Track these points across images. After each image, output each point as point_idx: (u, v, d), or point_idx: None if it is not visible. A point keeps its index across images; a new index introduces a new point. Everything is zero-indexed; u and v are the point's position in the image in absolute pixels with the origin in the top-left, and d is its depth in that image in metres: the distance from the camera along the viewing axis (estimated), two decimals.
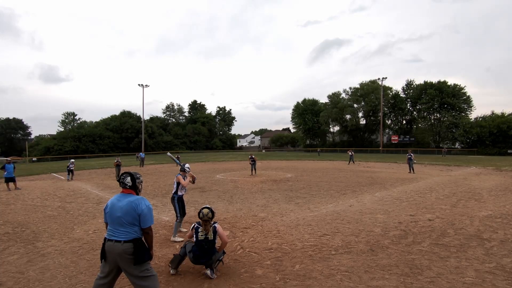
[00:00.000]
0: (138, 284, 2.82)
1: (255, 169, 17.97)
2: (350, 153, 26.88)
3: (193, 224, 4.03)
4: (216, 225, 3.99)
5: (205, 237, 3.86)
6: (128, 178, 2.98)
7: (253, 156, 18.23)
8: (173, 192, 5.74)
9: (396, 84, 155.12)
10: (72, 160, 17.99)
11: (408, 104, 59.89)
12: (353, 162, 26.28)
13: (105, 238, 2.87)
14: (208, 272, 3.83)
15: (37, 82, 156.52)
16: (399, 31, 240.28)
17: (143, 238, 2.92)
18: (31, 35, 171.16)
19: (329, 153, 55.66)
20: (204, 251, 3.83)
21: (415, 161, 18.46)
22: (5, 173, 12.94)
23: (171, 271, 3.98)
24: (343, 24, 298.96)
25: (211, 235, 3.87)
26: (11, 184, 12.91)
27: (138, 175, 3.10)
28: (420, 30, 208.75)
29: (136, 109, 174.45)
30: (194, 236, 3.91)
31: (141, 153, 30.51)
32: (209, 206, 4.05)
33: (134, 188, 3.01)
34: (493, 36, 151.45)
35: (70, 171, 16.87)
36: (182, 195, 5.78)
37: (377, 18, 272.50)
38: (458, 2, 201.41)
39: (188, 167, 5.91)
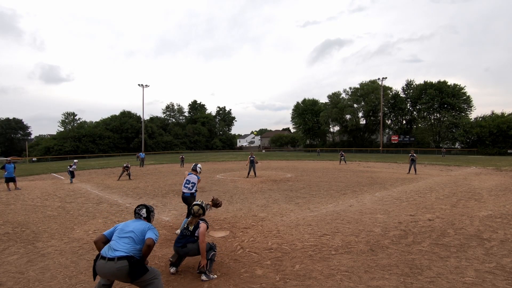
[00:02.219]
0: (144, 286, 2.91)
1: (254, 171, 17.06)
2: (342, 156, 27.30)
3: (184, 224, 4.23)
4: (201, 222, 3.96)
5: (187, 226, 4.01)
6: (144, 210, 3.28)
7: (253, 157, 17.48)
8: (193, 191, 5.95)
9: (396, 84, 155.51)
10: (75, 160, 16.43)
11: (408, 104, 59.87)
12: (341, 163, 26.67)
13: (97, 255, 2.87)
14: (204, 277, 3.80)
15: (38, 82, 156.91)
16: (398, 31, 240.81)
17: (141, 254, 2.97)
18: (33, 35, 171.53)
19: (329, 153, 55.64)
20: (181, 238, 3.94)
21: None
22: (5, 173, 12.94)
23: (171, 269, 3.99)
24: (342, 25, 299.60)
25: (191, 227, 3.95)
26: (11, 184, 12.91)
27: (152, 208, 3.40)
28: (419, 30, 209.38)
29: (136, 109, 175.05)
30: (183, 228, 4.06)
31: (141, 153, 30.31)
32: (200, 203, 4.09)
33: (148, 219, 3.31)
34: (492, 37, 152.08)
35: (71, 173, 15.35)
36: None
37: (376, 18, 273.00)
38: (456, 2, 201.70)
39: (199, 167, 6.47)
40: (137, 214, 3.26)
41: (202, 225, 3.91)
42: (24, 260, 4.63)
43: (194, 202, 4.16)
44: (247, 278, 3.83)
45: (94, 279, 2.89)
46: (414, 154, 17.59)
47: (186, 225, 4.03)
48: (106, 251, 2.84)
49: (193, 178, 5.98)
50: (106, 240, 3.03)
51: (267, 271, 4.02)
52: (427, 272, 3.88)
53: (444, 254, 4.51)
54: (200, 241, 3.79)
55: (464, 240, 5.15)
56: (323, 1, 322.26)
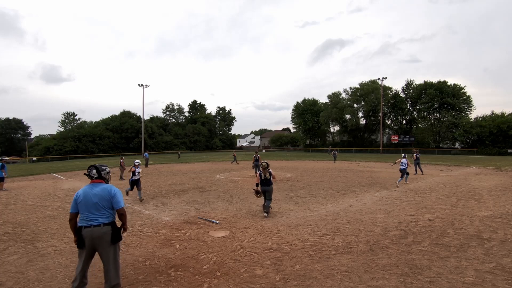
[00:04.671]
0: (110, 263, 3.15)
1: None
2: (333, 152, 28.02)
3: (259, 172, 7.42)
4: (271, 171, 7.39)
5: (265, 177, 7.26)
6: (94, 171, 3.31)
7: (258, 157, 16.92)
8: (405, 167, 12.42)
9: (396, 84, 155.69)
10: (138, 161, 10.18)
11: (408, 104, 59.79)
12: (334, 161, 27.64)
13: (80, 227, 3.11)
14: (265, 214, 7.10)
15: (38, 82, 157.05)
16: (397, 32, 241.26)
17: (116, 221, 3.31)
18: (35, 36, 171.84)
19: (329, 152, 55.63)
20: (264, 183, 7.24)
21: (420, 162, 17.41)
22: (4, 173, 12.94)
23: (265, 214, 7.13)
24: (341, 25, 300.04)
25: (268, 176, 7.27)
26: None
27: (104, 167, 3.41)
28: (418, 31, 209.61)
29: (136, 109, 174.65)
30: (260, 177, 7.28)
31: (145, 153, 29.88)
32: (266, 162, 7.42)
33: (102, 178, 3.34)
34: (490, 37, 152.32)
35: (135, 183, 9.69)
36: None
37: (374, 19, 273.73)
38: (454, 3, 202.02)
39: (406, 155, 13.07)
40: (89, 176, 3.32)
41: (272, 172, 7.42)
42: (24, 260, 4.63)
43: (263, 161, 7.72)
44: (247, 278, 3.82)
45: (81, 247, 3.12)
46: (418, 154, 17.11)
47: (264, 176, 7.25)
48: (86, 222, 3.10)
49: (405, 159, 12.51)
50: (76, 215, 3.21)
51: (267, 271, 4.02)
52: (427, 272, 3.88)
53: (444, 254, 4.51)
54: (274, 178, 7.44)
55: (464, 240, 5.15)
56: (322, 1, 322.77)
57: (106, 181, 3.39)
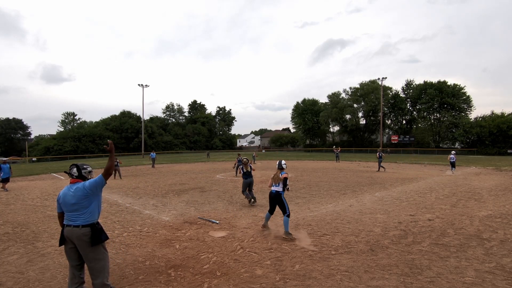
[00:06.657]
0: (91, 263, 3.13)
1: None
2: (336, 151, 28.60)
3: (240, 166, 9.17)
4: (250, 165, 8.97)
5: (247, 170, 8.79)
6: (74, 169, 3.27)
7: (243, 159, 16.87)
8: (454, 160, 16.97)
9: (396, 84, 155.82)
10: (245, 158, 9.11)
11: (408, 104, 59.84)
12: (338, 160, 28.15)
13: (64, 225, 3.19)
14: (252, 201, 8.64)
15: (39, 82, 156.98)
16: (397, 32, 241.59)
17: (97, 222, 3.25)
18: (36, 36, 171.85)
19: (330, 153, 55.63)
20: (247, 175, 8.76)
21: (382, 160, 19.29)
22: (1, 174, 12.90)
23: (251, 201, 8.65)
24: (341, 26, 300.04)
25: (249, 169, 8.82)
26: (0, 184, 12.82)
27: (84, 166, 3.35)
28: (417, 31, 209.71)
29: (136, 109, 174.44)
30: (242, 171, 8.93)
31: (151, 153, 29.14)
32: (247, 158, 9.38)
33: (82, 177, 3.27)
34: (489, 37, 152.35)
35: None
36: None
37: (373, 19, 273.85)
38: (453, 3, 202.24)
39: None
40: (69, 175, 3.28)
41: (253, 166, 9.18)
42: (24, 260, 4.62)
43: (243, 157, 9.65)
44: (247, 278, 3.82)
45: (60, 244, 3.23)
46: (382, 153, 19.32)
47: (246, 170, 8.84)
48: (68, 221, 3.16)
49: (453, 154, 16.18)
50: (63, 214, 3.25)
51: (267, 271, 4.02)
52: (427, 272, 3.88)
53: (444, 254, 4.51)
54: (253, 170, 9.12)
55: (464, 240, 5.16)
56: (321, 2, 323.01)
57: (87, 180, 3.33)
